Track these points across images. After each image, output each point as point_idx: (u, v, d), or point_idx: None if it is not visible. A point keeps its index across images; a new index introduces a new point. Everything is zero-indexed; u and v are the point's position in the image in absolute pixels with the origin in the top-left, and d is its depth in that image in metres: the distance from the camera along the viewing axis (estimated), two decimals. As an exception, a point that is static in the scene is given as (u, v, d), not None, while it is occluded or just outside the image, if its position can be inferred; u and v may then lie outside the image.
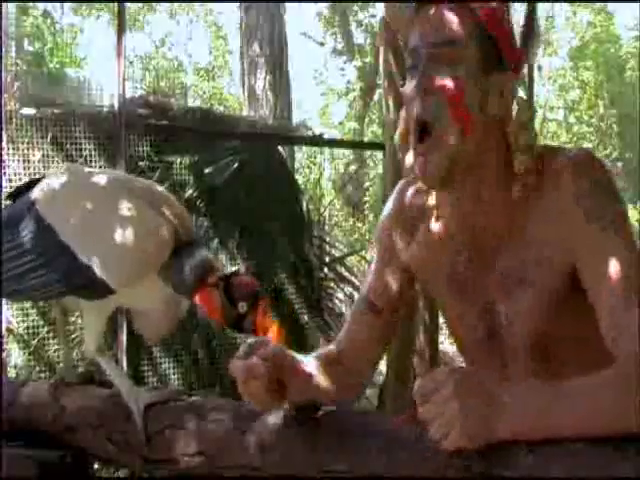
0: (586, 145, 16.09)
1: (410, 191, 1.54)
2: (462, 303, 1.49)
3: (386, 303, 1.58)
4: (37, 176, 4.11)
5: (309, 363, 1.51)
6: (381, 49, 4.80)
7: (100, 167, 4.41)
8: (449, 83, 1.34)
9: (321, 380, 1.51)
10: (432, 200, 1.49)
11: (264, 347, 1.38)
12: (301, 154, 11.40)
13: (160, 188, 1.71)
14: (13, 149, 4.22)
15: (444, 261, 1.49)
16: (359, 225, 12.30)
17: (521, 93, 1.44)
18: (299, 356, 1.49)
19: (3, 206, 1.79)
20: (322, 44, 15.90)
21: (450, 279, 1.49)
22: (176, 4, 17.51)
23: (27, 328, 4.17)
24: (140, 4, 16.78)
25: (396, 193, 1.57)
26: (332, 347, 1.63)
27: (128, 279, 1.56)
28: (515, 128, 1.38)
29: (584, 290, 1.34)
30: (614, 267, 1.29)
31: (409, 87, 1.38)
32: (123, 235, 1.55)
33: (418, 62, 1.36)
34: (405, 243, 1.54)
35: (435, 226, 1.48)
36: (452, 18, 1.36)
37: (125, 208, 1.56)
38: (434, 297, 1.59)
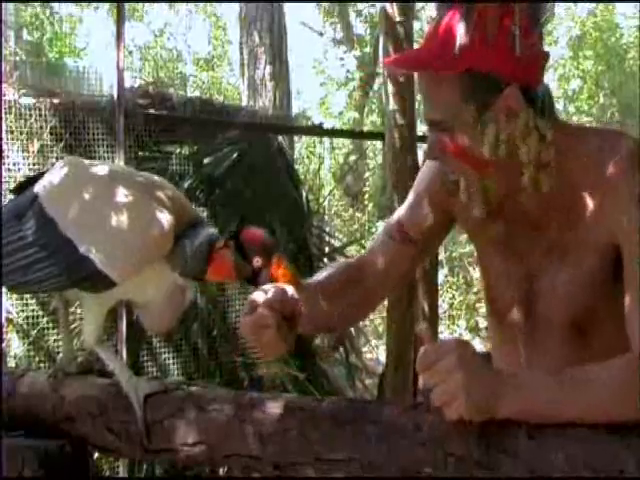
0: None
1: None
2: (505, 264, 1.50)
3: (419, 236, 1.60)
4: (36, 166, 4.14)
5: (318, 291, 1.57)
6: (381, 38, 4.79)
7: (99, 157, 4.40)
8: (450, 146, 1.39)
9: (332, 307, 1.57)
10: None
11: (266, 295, 1.43)
12: (300, 144, 11.39)
13: (156, 177, 1.71)
14: (12, 139, 4.21)
15: (493, 220, 1.50)
16: (359, 215, 12.29)
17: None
18: (308, 284, 1.57)
19: (8, 200, 1.79)
20: (321, 34, 15.86)
21: (498, 238, 1.51)
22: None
23: (27, 318, 4.17)
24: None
25: None
26: (353, 264, 1.68)
27: (130, 271, 1.55)
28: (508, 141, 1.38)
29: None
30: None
31: None
32: (123, 227, 1.54)
33: (430, 145, 1.43)
34: (451, 193, 1.53)
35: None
36: (437, 93, 1.38)
37: (125, 200, 1.56)
38: (477, 250, 1.60)
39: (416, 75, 1.48)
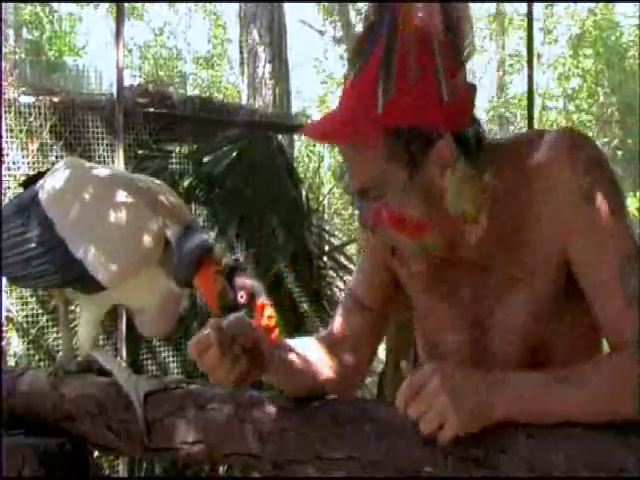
0: (586, 133, 16.06)
1: None
2: (451, 311, 1.41)
3: (374, 303, 1.52)
4: (35, 165, 4.14)
5: (298, 346, 1.48)
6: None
7: (99, 155, 4.40)
8: (385, 216, 1.27)
9: (311, 362, 1.47)
10: None
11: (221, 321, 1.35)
12: (300, 143, 11.38)
13: (154, 180, 1.71)
14: (12, 137, 4.21)
15: (434, 272, 1.40)
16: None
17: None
18: (285, 344, 1.47)
19: (16, 193, 1.82)
20: (322, 32, 15.86)
21: (442, 288, 1.41)
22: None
23: (26, 317, 4.17)
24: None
25: None
26: (321, 337, 1.57)
27: (119, 275, 1.56)
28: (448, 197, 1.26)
29: (580, 302, 1.28)
30: (606, 250, 1.24)
31: None
32: (114, 232, 1.56)
33: (362, 215, 1.33)
34: (390, 252, 1.42)
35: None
36: (360, 159, 1.26)
37: (118, 205, 1.57)
38: (415, 301, 1.48)
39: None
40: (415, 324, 1.54)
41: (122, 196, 1.58)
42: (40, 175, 1.73)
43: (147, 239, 1.56)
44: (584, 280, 1.27)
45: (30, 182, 1.76)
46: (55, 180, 1.65)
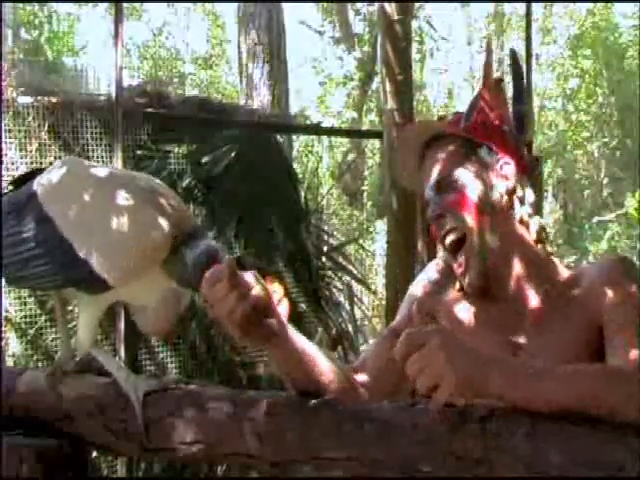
0: (585, 134, 16.09)
1: (439, 270, 1.74)
2: (492, 340, 1.57)
3: None
4: (34, 165, 4.14)
5: (320, 353, 1.51)
6: (379, 37, 4.80)
7: (97, 156, 4.40)
8: (454, 199, 1.61)
9: (326, 369, 1.50)
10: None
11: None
12: (299, 143, 11.39)
13: (158, 182, 1.71)
14: (10, 138, 4.21)
15: (478, 301, 1.63)
16: (357, 214, 12.30)
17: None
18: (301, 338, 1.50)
19: (5, 193, 1.79)
20: (320, 33, 15.85)
21: (483, 318, 1.62)
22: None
23: (25, 317, 4.17)
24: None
25: (430, 269, 1.77)
26: (347, 368, 1.66)
27: (126, 275, 1.55)
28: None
29: None
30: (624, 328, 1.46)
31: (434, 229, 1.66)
32: (120, 232, 1.55)
33: (434, 207, 1.64)
34: (434, 308, 1.70)
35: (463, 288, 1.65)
36: (448, 156, 1.64)
37: (123, 205, 1.56)
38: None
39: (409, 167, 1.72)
40: None
41: (126, 195, 1.57)
42: (31, 174, 1.70)
43: (154, 239, 1.55)
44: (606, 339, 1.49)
45: (20, 181, 1.72)
46: (55, 178, 1.63)
